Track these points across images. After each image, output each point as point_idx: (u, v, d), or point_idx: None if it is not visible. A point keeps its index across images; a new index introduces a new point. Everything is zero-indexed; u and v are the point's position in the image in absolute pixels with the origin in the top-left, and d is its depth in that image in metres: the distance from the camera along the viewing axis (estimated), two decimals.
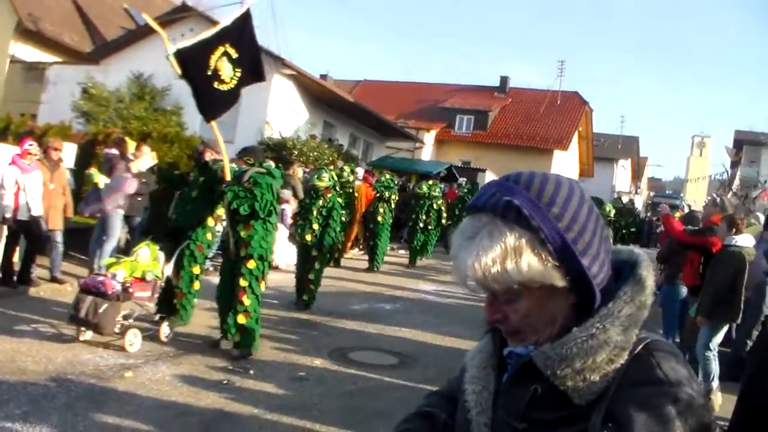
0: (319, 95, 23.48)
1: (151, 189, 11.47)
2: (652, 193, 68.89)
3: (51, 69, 24.07)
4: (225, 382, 6.78)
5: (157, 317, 8.15)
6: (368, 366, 7.97)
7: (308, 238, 10.79)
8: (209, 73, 7.74)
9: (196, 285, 8.67)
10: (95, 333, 7.40)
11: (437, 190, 17.99)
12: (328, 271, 13.36)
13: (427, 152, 36.49)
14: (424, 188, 17.86)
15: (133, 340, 7.44)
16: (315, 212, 10.83)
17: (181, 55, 7.54)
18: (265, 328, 9.13)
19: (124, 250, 11.51)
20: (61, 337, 7.65)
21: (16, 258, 10.03)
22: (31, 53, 26.17)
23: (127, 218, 11.05)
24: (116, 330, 7.46)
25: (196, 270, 8.61)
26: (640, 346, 1.35)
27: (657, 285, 10.49)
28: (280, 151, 18.95)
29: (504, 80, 45.33)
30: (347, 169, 16.09)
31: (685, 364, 1.36)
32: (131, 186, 10.55)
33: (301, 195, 14.89)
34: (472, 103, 41.37)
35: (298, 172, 16.17)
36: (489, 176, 29.13)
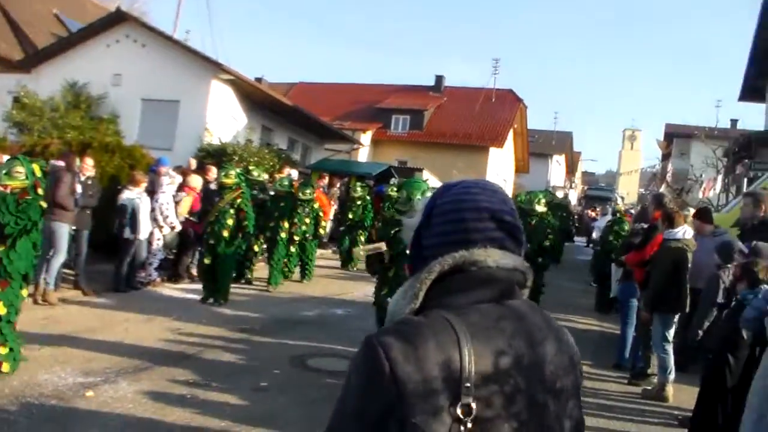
0: (256, 100, 23.34)
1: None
2: (585, 187, 70.16)
3: None
4: (188, 396, 6.73)
5: None
6: (328, 372, 8.00)
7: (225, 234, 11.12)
8: None
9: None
10: None
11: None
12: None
13: (364, 153, 36.50)
14: (359, 190, 17.63)
15: None
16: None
17: None
18: (220, 337, 9.15)
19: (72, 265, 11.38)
20: None
21: None
22: None
23: (75, 232, 10.88)
24: None
25: (2, 310, 6.70)
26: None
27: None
28: (220, 157, 18.77)
29: (439, 79, 45.57)
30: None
31: (365, 361, 1.47)
32: None
33: None
34: (407, 102, 41.51)
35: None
36: (426, 176, 29.26)
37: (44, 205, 7.25)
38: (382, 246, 7.24)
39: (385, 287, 7.50)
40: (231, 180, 11.56)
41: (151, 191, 12.28)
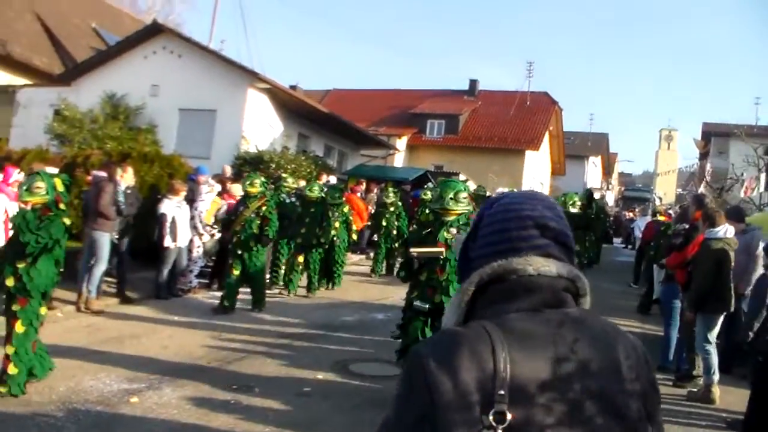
0: (292, 107, 23.41)
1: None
2: (623, 188, 69.46)
3: (21, 92, 23.72)
4: (232, 401, 6.76)
5: None
6: (370, 377, 7.99)
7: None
8: None
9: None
10: None
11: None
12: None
13: (399, 159, 36.44)
14: (391, 196, 16.93)
15: None
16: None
17: None
18: (261, 342, 9.18)
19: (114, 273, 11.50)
20: (59, 365, 7.53)
21: None
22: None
23: (117, 240, 10.99)
24: None
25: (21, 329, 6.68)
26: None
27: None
28: (257, 165, 18.86)
29: (473, 83, 45.50)
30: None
31: (406, 372, 1.51)
32: None
33: None
34: (442, 107, 41.44)
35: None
36: (463, 179, 29.12)
37: (67, 222, 6.96)
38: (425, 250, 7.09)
39: (416, 290, 7.46)
40: (256, 189, 11.44)
41: (191, 200, 12.39)
